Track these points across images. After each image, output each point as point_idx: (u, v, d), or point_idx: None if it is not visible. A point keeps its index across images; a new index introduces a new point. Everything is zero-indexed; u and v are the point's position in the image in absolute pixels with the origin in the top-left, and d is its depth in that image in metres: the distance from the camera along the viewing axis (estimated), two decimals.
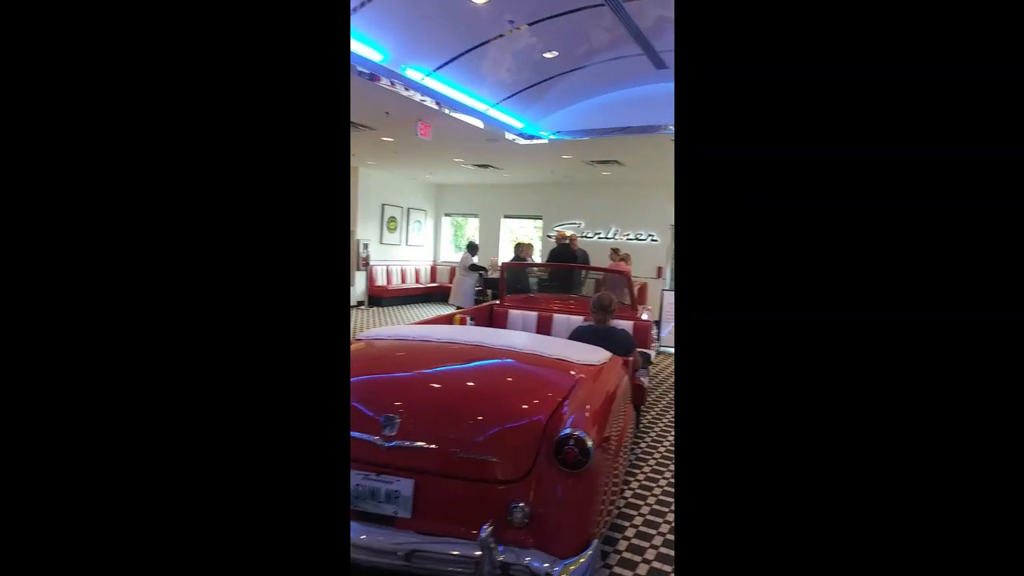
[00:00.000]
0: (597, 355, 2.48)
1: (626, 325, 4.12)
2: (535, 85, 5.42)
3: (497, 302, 4.85)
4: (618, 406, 2.27)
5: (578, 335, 3.02)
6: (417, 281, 10.86)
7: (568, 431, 1.64)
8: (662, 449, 3.31)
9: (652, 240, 9.73)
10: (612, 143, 6.29)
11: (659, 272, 9.65)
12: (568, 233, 8.65)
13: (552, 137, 6.25)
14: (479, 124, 5.81)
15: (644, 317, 4.27)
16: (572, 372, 2.12)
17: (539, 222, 10.79)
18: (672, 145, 6.40)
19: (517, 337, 2.70)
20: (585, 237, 10.22)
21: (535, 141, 6.38)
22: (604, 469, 1.80)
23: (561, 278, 7.14)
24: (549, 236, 10.45)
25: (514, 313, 4.45)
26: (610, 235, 10.10)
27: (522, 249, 7.36)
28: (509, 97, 5.57)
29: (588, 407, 1.84)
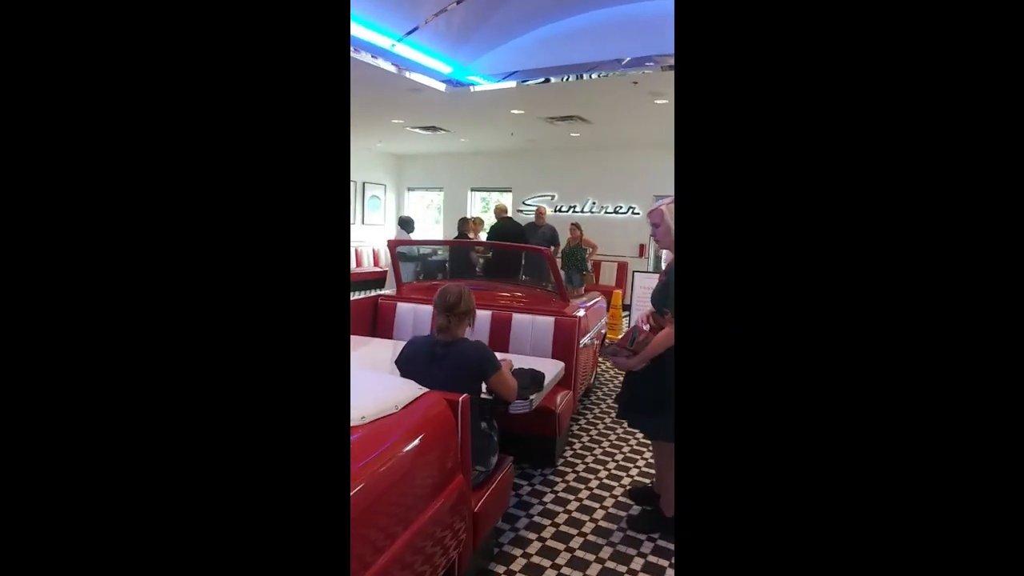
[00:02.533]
0: (389, 397, 1.35)
1: (547, 323, 2.98)
2: (446, 11, 4.16)
3: (384, 293, 3.71)
4: (411, 480, 1.28)
5: (404, 357, 1.86)
6: (376, 264, 9.67)
7: None
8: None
9: (633, 213, 8.48)
10: (564, 91, 5.05)
11: (641, 250, 8.43)
12: (543, 208, 7.44)
13: (486, 83, 5.01)
14: (389, 67, 4.59)
15: (579, 312, 3.10)
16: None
17: (508, 195, 9.56)
18: (639, 92, 5.22)
19: None
20: (558, 211, 9.00)
21: (469, 89, 5.14)
22: None
23: (502, 261, 5.98)
24: (519, 211, 9.26)
25: (403, 307, 3.29)
26: (585, 208, 8.86)
27: (467, 224, 6.16)
28: (415, 30, 4.32)
29: None
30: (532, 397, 1.95)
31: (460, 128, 7.38)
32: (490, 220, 7.06)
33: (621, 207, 8.58)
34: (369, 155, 9.91)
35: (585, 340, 3.08)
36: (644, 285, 5.94)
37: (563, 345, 2.92)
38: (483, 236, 6.53)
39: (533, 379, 2.04)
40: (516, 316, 3.05)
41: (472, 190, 9.98)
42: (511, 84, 4.85)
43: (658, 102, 5.22)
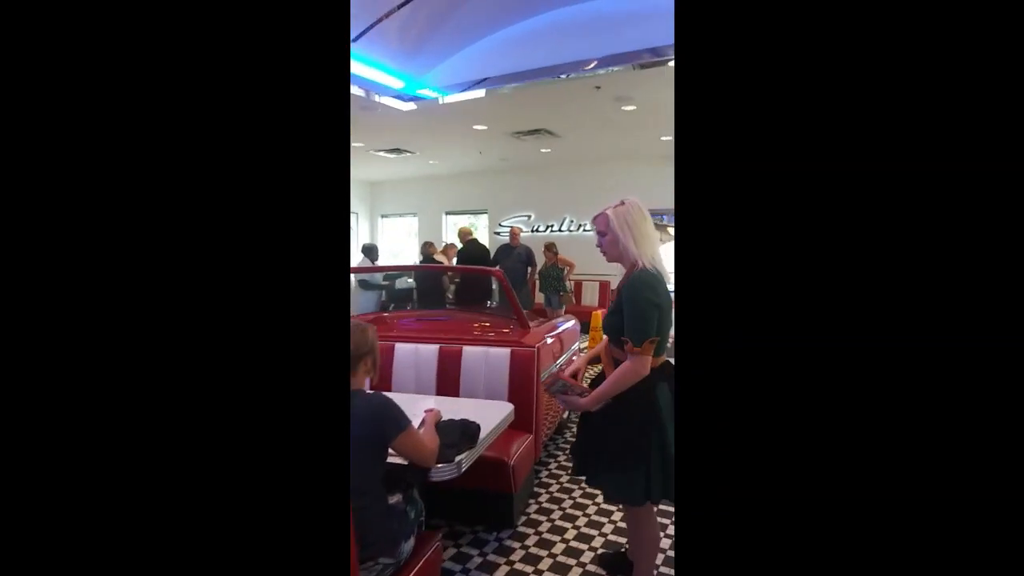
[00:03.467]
0: None
1: (501, 356, 2.57)
2: (396, 12, 3.84)
3: None
4: None
5: None
6: None
7: None
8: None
9: None
10: (525, 102, 4.74)
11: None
12: (517, 229, 7.08)
13: (440, 96, 4.68)
14: None
15: (541, 340, 2.69)
16: None
17: (484, 217, 9.22)
18: (604, 99, 4.90)
19: None
20: (535, 232, 8.66)
21: (423, 104, 4.81)
22: None
23: (471, 286, 5.59)
24: (497, 233, 8.91)
25: None
26: (563, 227, 8.52)
27: (431, 248, 5.77)
28: (360, 36, 3.99)
29: None
30: (460, 458, 1.52)
31: (426, 149, 7.06)
32: (489, 242, 6.69)
33: None
34: None
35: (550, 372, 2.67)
36: None
37: (520, 381, 2.50)
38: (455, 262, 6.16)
39: (464, 433, 1.61)
40: (467, 349, 2.63)
41: (447, 214, 9.64)
42: (465, 96, 4.52)
43: (625, 108, 4.91)
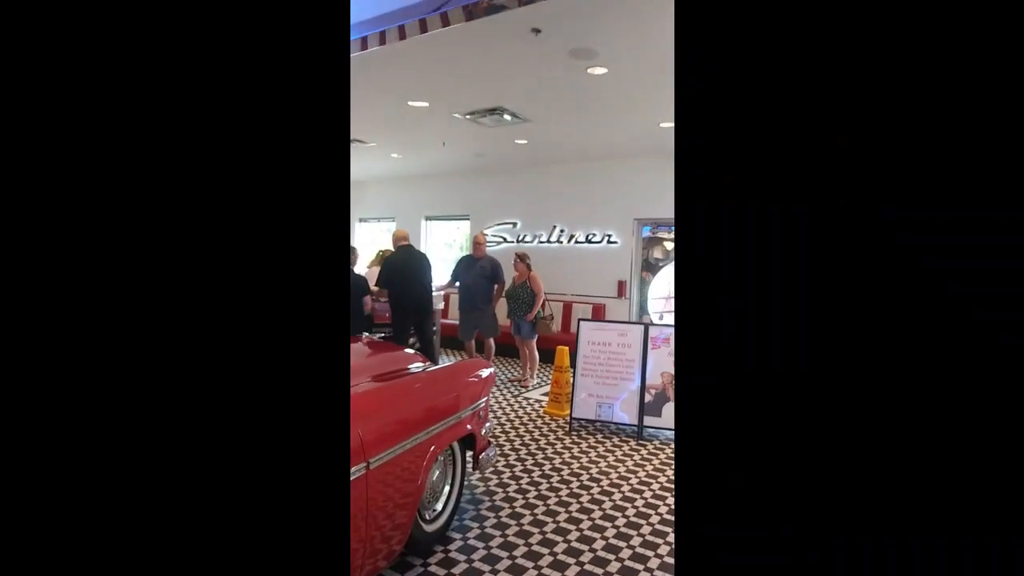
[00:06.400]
0: None
1: None
2: None
3: None
4: None
5: None
6: None
7: None
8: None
9: (610, 242, 6.71)
10: (447, 58, 3.44)
11: (620, 289, 6.61)
12: (484, 235, 5.76)
13: None
14: None
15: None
16: None
17: (466, 223, 7.95)
18: (559, 55, 3.49)
19: None
20: (521, 242, 7.31)
21: None
22: None
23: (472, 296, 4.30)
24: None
25: None
26: (552, 238, 7.14)
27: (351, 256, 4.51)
28: None
29: None
30: None
31: (376, 137, 5.85)
32: (457, 252, 5.31)
33: (595, 235, 6.82)
34: None
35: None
36: (593, 340, 4.13)
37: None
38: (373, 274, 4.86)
39: None
40: None
41: (426, 219, 8.41)
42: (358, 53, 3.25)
43: (593, 72, 3.54)
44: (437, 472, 2.29)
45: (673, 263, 6.31)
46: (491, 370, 2.71)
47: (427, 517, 2.21)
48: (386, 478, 1.72)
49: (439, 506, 2.31)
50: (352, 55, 3.38)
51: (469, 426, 2.40)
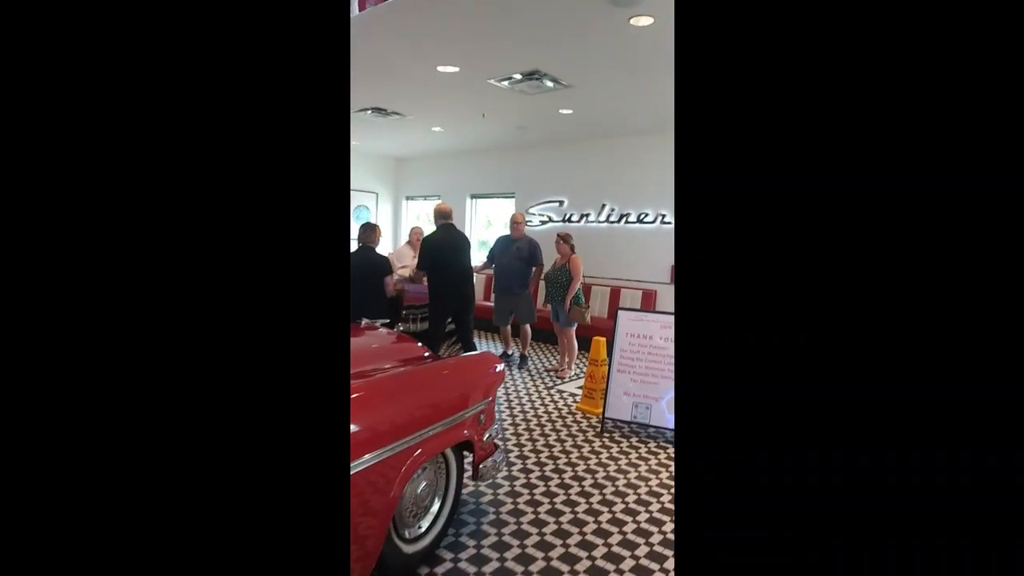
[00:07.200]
0: None
1: None
2: None
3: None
4: None
5: None
6: None
7: None
8: None
9: (663, 222, 6.16)
10: (471, 11, 3.06)
11: (673, 275, 6.06)
12: (519, 216, 5.39)
13: None
14: None
15: None
16: None
17: (511, 201, 7.57)
18: (596, 2, 2.99)
19: None
20: (568, 221, 6.87)
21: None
22: None
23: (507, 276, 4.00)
24: (528, 222, 7.21)
25: None
26: (601, 217, 6.65)
27: (372, 234, 4.20)
28: None
29: None
30: None
31: (414, 108, 5.56)
32: (488, 230, 4.99)
33: (647, 215, 6.28)
34: (354, 156, 8.37)
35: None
36: (631, 332, 3.69)
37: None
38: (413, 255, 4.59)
39: None
40: None
41: (472, 197, 8.11)
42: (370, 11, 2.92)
43: (637, 23, 3.05)
44: (423, 484, 1.98)
45: None
46: (500, 367, 2.36)
47: (407, 536, 1.91)
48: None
49: (425, 524, 2.01)
50: (367, 10, 3.06)
51: (466, 431, 2.07)
